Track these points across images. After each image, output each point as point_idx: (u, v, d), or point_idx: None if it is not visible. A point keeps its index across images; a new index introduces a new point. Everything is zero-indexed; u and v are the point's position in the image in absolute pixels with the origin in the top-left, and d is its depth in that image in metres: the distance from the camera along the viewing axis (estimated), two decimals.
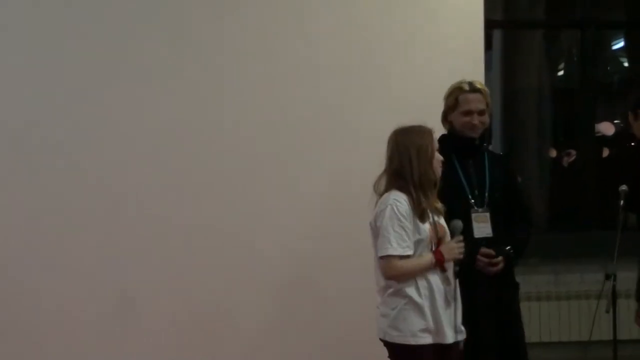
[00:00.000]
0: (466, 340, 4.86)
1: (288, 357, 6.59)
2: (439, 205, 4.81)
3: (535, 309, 8.27)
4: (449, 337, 4.62)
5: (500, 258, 5.15)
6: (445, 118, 5.39)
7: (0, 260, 6.39)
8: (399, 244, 4.58)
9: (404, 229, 4.59)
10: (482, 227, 5.22)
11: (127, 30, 6.54)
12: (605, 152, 10.05)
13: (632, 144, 9.25)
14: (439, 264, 4.61)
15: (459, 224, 4.71)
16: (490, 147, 5.93)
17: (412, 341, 4.59)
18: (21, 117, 6.46)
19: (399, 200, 4.65)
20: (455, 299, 4.68)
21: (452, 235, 4.72)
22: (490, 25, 7.02)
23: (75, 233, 6.48)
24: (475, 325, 5.04)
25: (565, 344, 8.24)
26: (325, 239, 6.50)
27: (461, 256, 4.64)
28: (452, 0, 6.83)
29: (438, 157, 4.74)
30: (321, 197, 6.55)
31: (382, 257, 4.63)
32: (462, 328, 4.73)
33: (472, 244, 5.08)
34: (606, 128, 10.29)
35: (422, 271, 4.60)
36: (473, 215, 5.22)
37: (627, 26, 10.90)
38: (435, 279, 4.64)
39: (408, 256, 4.60)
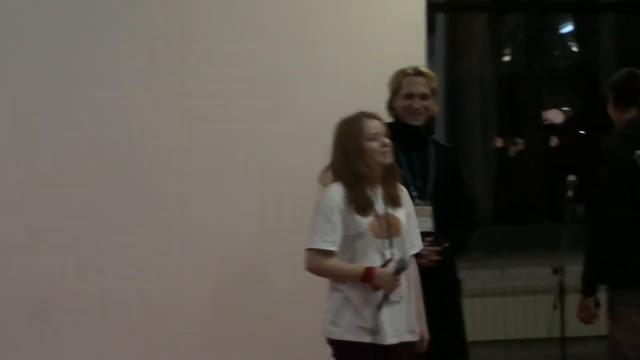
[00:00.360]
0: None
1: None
2: (401, 193, 4.76)
3: (479, 306, 8.26)
4: (390, 338, 4.53)
5: (436, 249, 5.12)
6: (390, 105, 5.35)
7: None
8: (322, 238, 4.54)
9: (331, 223, 4.55)
10: (423, 220, 5.13)
11: None
12: (554, 141, 10.08)
13: (582, 132, 9.28)
14: (365, 279, 4.50)
15: (404, 264, 4.54)
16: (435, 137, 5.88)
17: (352, 337, 4.54)
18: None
19: (332, 194, 4.61)
20: (404, 298, 4.60)
21: (397, 271, 4.53)
22: (432, 8, 6.95)
23: None
24: None
25: (511, 342, 8.27)
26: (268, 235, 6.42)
27: (389, 292, 4.51)
28: None
29: (378, 144, 4.61)
30: (264, 194, 6.46)
31: (306, 250, 4.60)
32: (415, 328, 4.66)
33: None
34: (554, 116, 10.37)
35: (345, 278, 4.55)
36: (414, 208, 5.11)
37: (576, 9, 10.97)
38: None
39: (331, 252, 4.56)
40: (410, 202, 4.84)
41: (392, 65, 5.50)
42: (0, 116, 6.37)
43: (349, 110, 4.83)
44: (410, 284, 4.61)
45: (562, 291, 5.80)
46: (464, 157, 7.71)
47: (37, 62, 6.38)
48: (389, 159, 4.62)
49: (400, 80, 5.30)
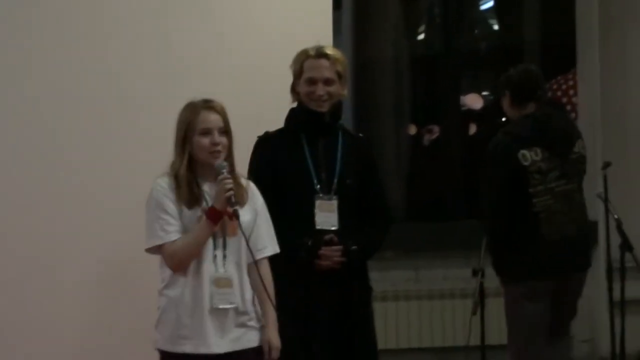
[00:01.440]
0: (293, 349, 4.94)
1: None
2: (245, 191, 4.80)
3: (392, 311, 8.32)
4: (214, 347, 4.61)
5: (337, 247, 5.16)
6: (293, 89, 5.38)
7: None
8: (163, 230, 4.63)
9: (166, 212, 4.65)
10: (326, 216, 5.21)
11: None
12: (473, 129, 10.14)
13: (504, 119, 9.38)
14: (212, 216, 4.59)
15: (223, 166, 4.64)
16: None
17: (169, 347, 4.66)
18: None
19: (159, 186, 4.73)
20: (237, 303, 4.67)
21: (218, 174, 4.65)
22: None
23: None
24: (310, 332, 5.18)
25: (426, 350, 8.30)
26: None
27: (231, 192, 4.57)
28: None
29: (208, 142, 4.66)
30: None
31: (148, 250, 4.73)
32: (249, 338, 4.72)
33: (312, 238, 5.17)
34: (473, 101, 10.45)
35: (199, 240, 4.61)
36: (317, 203, 5.21)
37: None
38: (200, 278, 4.65)
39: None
40: (261, 200, 4.87)
41: (294, 44, 5.53)
42: None
43: (250, 92, 5.06)
44: (246, 290, 4.71)
45: (482, 295, 5.88)
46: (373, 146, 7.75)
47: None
48: (218, 160, 4.64)
49: (302, 63, 5.32)
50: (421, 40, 11.05)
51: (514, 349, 6.19)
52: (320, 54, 5.30)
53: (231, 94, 5.43)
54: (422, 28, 11.07)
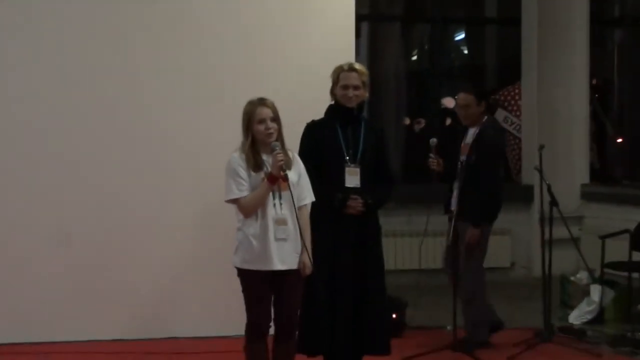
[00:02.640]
0: (325, 269, 5.03)
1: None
2: (291, 159, 4.79)
3: (391, 243, 8.42)
4: (277, 265, 4.63)
5: (360, 200, 5.18)
6: (332, 92, 5.36)
7: None
8: (238, 188, 4.64)
9: (238, 176, 4.64)
10: (352, 178, 5.23)
11: None
12: (448, 121, 10.13)
13: None
14: (271, 180, 4.61)
15: (276, 145, 4.64)
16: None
17: (244, 266, 4.66)
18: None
19: (233, 159, 4.70)
20: (293, 233, 4.68)
21: (272, 150, 4.65)
22: (359, 18, 7.01)
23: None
24: (338, 254, 5.18)
25: (414, 270, 8.39)
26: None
27: (282, 162, 4.61)
28: None
29: (263, 128, 4.66)
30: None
31: (228, 201, 4.69)
32: (294, 259, 4.72)
33: (343, 192, 5.18)
34: (448, 102, 10.40)
35: (262, 195, 4.63)
36: (346, 169, 5.23)
37: (467, 21, 11.07)
38: (265, 220, 4.66)
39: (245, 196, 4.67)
40: (302, 165, 4.87)
41: (331, 62, 5.49)
42: None
43: (312, 98, 5.17)
44: (296, 227, 4.68)
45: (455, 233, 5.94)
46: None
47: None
48: (272, 139, 4.65)
49: (339, 74, 5.30)
50: (414, 61, 11.07)
51: (477, 265, 6.29)
52: (351, 68, 5.30)
53: (291, 95, 5.57)
54: (415, 52, 11.06)
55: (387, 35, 10.67)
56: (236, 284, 4.73)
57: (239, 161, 4.67)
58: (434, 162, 6.19)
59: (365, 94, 5.38)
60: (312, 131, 5.34)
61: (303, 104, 5.67)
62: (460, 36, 11.16)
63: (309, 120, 5.40)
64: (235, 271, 4.73)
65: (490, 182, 6.22)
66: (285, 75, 6.52)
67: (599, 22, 9.89)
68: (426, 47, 10.49)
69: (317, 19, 6.74)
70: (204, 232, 6.53)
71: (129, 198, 6.53)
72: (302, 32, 6.72)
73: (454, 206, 6.30)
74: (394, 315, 6.36)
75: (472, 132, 6.36)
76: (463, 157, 6.31)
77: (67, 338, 6.33)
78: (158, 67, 6.55)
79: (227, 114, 4.97)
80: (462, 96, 6.45)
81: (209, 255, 6.32)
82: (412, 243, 8.54)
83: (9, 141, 6.40)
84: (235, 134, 4.80)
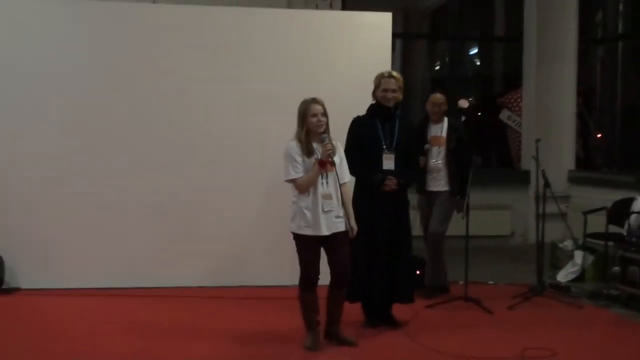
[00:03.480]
0: (365, 233, 4.97)
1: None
2: (335, 147, 4.72)
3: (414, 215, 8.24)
4: (324, 231, 4.61)
5: (394, 180, 5.16)
6: (374, 94, 5.33)
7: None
8: (295, 170, 4.62)
9: (295, 161, 4.61)
10: (388, 163, 5.20)
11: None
12: (463, 118, 9.99)
13: (479, 113, 9.30)
14: (321, 164, 4.58)
15: (325, 137, 4.65)
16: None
17: (299, 231, 4.65)
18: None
19: (291, 146, 4.68)
20: (337, 205, 4.66)
21: (322, 141, 4.64)
22: (394, 36, 6.94)
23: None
24: (375, 223, 5.16)
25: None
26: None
27: (330, 151, 4.59)
28: (370, 19, 6.74)
29: (315, 120, 4.63)
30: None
31: (287, 181, 4.67)
32: (341, 225, 4.69)
33: (381, 174, 5.16)
34: (463, 102, 10.27)
35: (314, 176, 4.60)
36: (383, 155, 5.20)
37: (479, 39, 10.96)
38: (316, 196, 4.63)
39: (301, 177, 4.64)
40: (342, 151, 4.84)
41: (373, 71, 5.45)
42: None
43: (353, 98, 5.14)
44: (339, 200, 4.68)
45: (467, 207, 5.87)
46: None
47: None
48: (321, 129, 4.63)
49: (380, 80, 5.28)
50: (437, 70, 10.96)
51: (448, 221, 6.21)
52: (390, 75, 5.28)
53: (337, 98, 5.41)
54: (437, 63, 10.99)
55: (416, 49, 10.72)
56: (291, 244, 4.73)
57: (295, 149, 4.64)
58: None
59: (400, 96, 5.34)
60: (357, 124, 5.31)
61: (346, 104, 5.52)
62: (474, 51, 11.05)
63: (350, 117, 5.35)
64: (291, 235, 4.72)
65: (470, 162, 6.00)
66: (331, 82, 6.42)
67: (586, 41, 9.74)
68: (447, 59, 10.38)
69: (362, 36, 6.69)
70: (266, 203, 6.53)
71: (210, 178, 6.58)
72: (350, 46, 6.67)
73: (431, 187, 6.21)
74: (417, 272, 6.31)
75: (439, 126, 6.26)
76: (442, 147, 6.19)
77: (161, 284, 6.41)
78: (239, 77, 6.55)
79: (287, 115, 4.93)
80: (439, 96, 6.34)
81: (271, 221, 6.32)
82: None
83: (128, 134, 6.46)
84: (288, 130, 4.78)
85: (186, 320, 5.47)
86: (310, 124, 4.64)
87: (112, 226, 6.43)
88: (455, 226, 6.31)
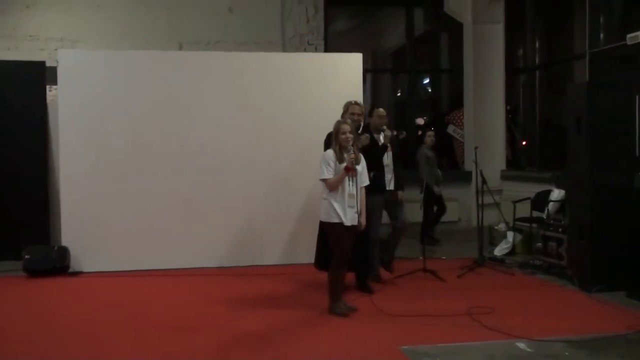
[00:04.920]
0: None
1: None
2: (359, 157, 4.67)
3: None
4: (347, 222, 4.57)
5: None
6: (342, 116, 5.22)
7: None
8: (328, 172, 4.55)
9: (329, 165, 4.55)
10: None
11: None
12: (419, 133, 10.03)
13: (432, 128, 9.29)
14: (347, 170, 4.52)
15: (351, 149, 4.57)
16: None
17: (330, 220, 4.56)
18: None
19: (328, 153, 4.63)
20: (356, 204, 4.58)
21: (348, 152, 4.57)
22: (364, 71, 6.94)
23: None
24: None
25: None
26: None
27: (353, 160, 4.53)
28: (346, 58, 6.73)
29: (344, 136, 4.56)
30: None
31: (320, 180, 4.59)
32: (356, 220, 4.61)
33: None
34: (420, 120, 10.33)
35: (341, 178, 4.52)
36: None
37: (430, 71, 10.95)
38: (343, 194, 4.55)
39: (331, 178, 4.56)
40: (364, 161, 4.72)
41: (349, 97, 5.50)
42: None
43: (329, 120, 4.83)
44: (358, 199, 4.59)
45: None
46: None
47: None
48: (348, 143, 4.58)
49: (348, 106, 5.27)
50: (399, 96, 10.86)
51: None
52: (356, 102, 5.28)
53: (323, 116, 5.30)
54: (399, 91, 10.89)
55: (382, 81, 10.70)
56: (303, 229, 4.63)
57: (331, 156, 4.57)
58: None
59: (362, 119, 5.32)
60: (331, 138, 5.17)
61: (327, 124, 5.37)
62: (426, 80, 11.00)
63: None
64: (308, 220, 4.70)
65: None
66: (316, 106, 6.41)
67: (511, 71, 9.78)
68: (406, 87, 10.37)
69: (340, 71, 6.64)
70: (284, 195, 6.42)
71: (229, 181, 6.48)
72: (331, 79, 6.60)
73: (389, 187, 5.68)
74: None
75: (381, 136, 5.56)
76: (390, 153, 5.71)
77: (185, 265, 6.30)
78: (247, 105, 6.49)
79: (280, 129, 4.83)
80: (382, 110, 5.71)
81: (286, 210, 6.28)
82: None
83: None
84: (282, 139, 4.74)
85: (236, 293, 5.30)
86: (341, 140, 4.58)
87: (155, 219, 6.34)
88: (417, 214, 6.30)
